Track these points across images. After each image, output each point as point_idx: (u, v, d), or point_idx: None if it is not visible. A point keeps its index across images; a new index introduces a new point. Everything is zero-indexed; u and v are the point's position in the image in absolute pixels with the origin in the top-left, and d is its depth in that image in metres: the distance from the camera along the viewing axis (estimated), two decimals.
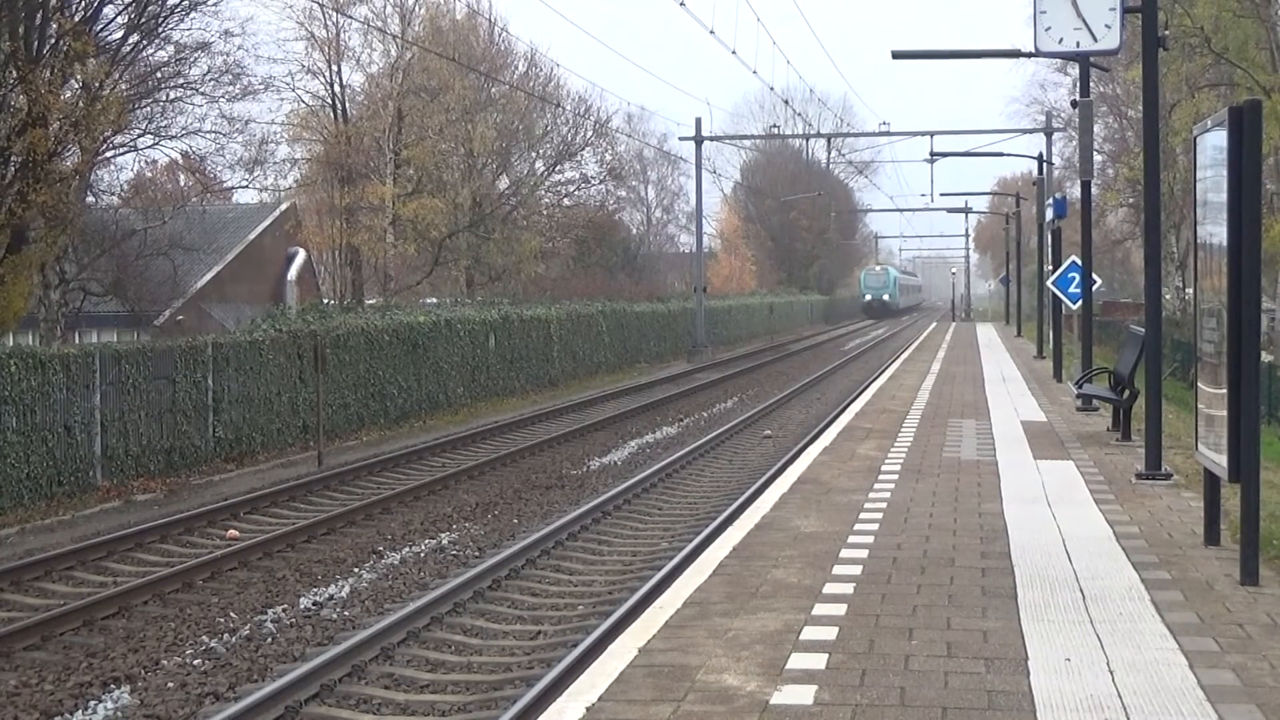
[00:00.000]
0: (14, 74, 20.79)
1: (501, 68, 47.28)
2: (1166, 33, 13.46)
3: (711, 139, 54.93)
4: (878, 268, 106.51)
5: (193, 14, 26.06)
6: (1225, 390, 7.79)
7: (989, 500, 11.13)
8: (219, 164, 32.30)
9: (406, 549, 14.02)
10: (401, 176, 41.80)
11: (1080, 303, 21.17)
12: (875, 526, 9.93)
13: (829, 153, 79.97)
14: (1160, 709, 5.64)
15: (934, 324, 74.88)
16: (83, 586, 12.84)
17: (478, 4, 46.45)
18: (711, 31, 36.15)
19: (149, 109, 27.17)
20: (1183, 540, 9.27)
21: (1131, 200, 48.33)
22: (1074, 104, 23.97)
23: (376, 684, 9.40)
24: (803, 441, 20.38)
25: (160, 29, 25.62)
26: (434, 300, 43.39)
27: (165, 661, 10.02)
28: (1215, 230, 8.20)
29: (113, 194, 31.78)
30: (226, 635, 10.70)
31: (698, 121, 49.80)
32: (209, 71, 28.14)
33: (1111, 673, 6.15)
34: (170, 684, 9.46)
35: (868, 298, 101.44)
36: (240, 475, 19.78)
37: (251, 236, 42.87)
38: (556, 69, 61.60)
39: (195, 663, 9.96)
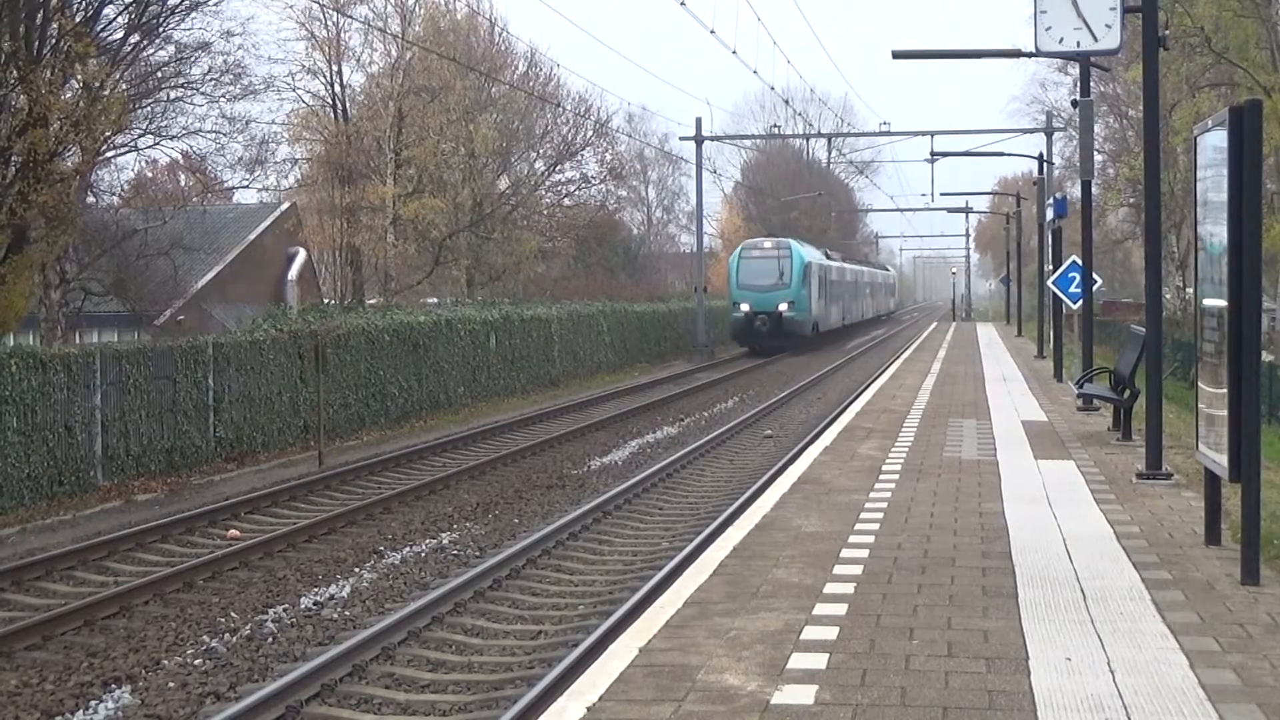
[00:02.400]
0: (15, 74, 20.81)
1: (502, 68, 47.30)
2: (1167, 32, 13.47)
3: (712, 139, 54.93)
4: (767, 244, 52.70)
5: (193, 14, 26.13)
6: (1226, 390, 7.79)
7: (990, 500, 11.13)
8: (219, 164, 32.38)
9: (407, 549, 14.02)
10: (402, 176, 41.81)
11: (1081, 302, 21.17)
12: (876, 526, 9.93)
13: (829, 152, 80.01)
14: (1161, 709, 5.64)
15: (934, 324, 74.88)
16: (84, 586, 12.84)
17: (478, 4, 46.51)
18: (712, 31, 36.11)
19: (149, 109, 27.22)
20: (1183, 540, 9.27)
21: (1132, 200, 48.35)
22: (1074, 104, 23.98)
23: (377, 684, 9.40)
24: (803, 441, 20.38)
25: (161, 29, 25.67)
26: (435, 300, 43.42)
27: (166, 661, 10.02)
28: (1216, 230, 8.20)
29: (113, 194, 31.83)
30: (227, 635, 10.70)
31: (698, 121, 49.80)
32: (209, 71, 28.21)
33: (1112, 672, 6.16)
34: (171, 684, 9.46)
35: (744, 308, 50.00)
36: (241, 475, 19.78)
37: (252, 236, 42.88)
38: (557, 69, 61.66)
39: (196, 662, 9.96)
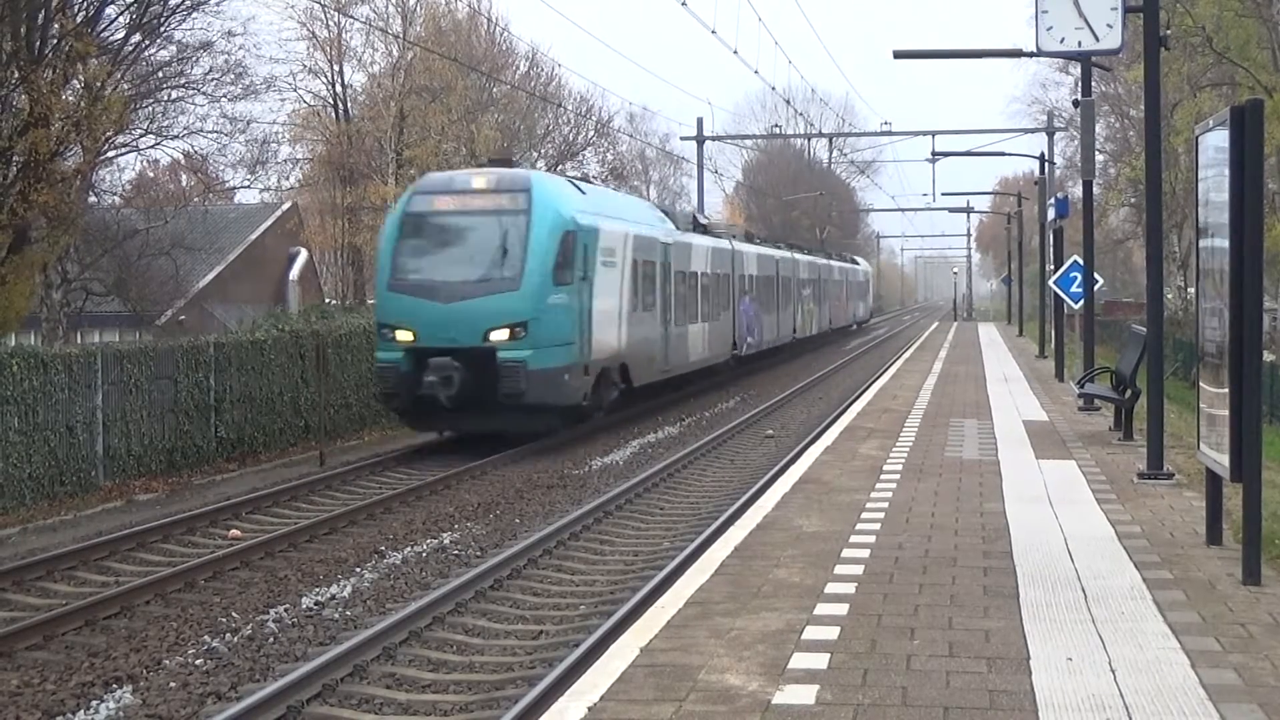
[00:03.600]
0: (16, 74, 20.84)
1: (503, 68, 47.34)
2: (1168, 32, 13.47)
3: (713, 139, 54.97)
4: (476, 181, 21.44)
5: (194, 14, 26.16)
6: (1227, 390, 7.79)
7: (991, 500, 11.13)
8: (221, 164, 32.46)
9: (408, 548, 14.01)
10: (404, 176, 41.82)
11: (1082, 302, 21.19)
12: (877, 526, 9.93)
13: (830, 152, 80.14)
14: (1162, 708, 5.64)
15: (935, 324, 74.84)
16: (85, 586, 12.83)
17: (479, 4, 46.53)
18: (713, 31, 36.08)
19: (151, 109, 27.27)
20: (1185, 540, 9.27)
21: (1133, 200, 48.36)
22: (1076, 103, 24.01)
23: (378, 684, 9.39)
24: (804, 441, 20.36)
25: (162, 29, 25.71)
26: None
27: (167, 661, 10.02)
28: (1217, 230, 8.20)
29: (115, 194, 31.90)
30: (228, 635, 10.70)
31: (699, 121, 49.72)
32: (211, 71, 28.27)
33: (1113, 672, 6.16)
34: (172, 684, 9.45)
35: (400, 339, 20.26)
36: (242, 475, 19.77)
37: (253, 236, 42.94)
38: (558, 69, 61.81)
39: (197, 662, 9.95)
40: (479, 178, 21.72)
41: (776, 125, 73.19)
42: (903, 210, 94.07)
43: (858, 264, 72.09)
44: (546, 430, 21.11)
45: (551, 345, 20.44)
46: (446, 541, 14.36)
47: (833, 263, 58.45)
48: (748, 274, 36.71)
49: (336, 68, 42.26)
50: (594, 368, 22.17)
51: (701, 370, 31.44)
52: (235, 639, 10.54)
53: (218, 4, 29.76)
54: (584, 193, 23.50)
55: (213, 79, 28.36)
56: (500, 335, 20.05)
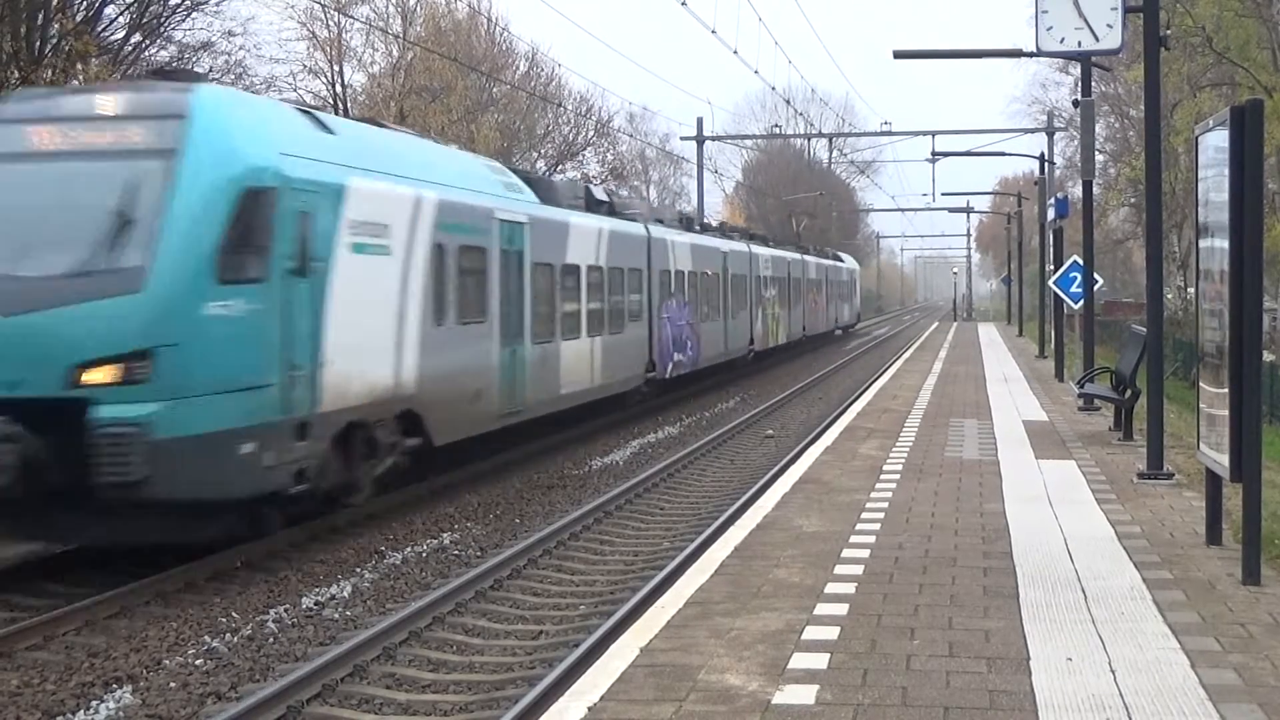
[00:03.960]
0: (16, 74, 20.84)
1: (503, 68, 47.37)
2: (1168, 32, 13.49)
3: (713, 139, 55.00)
4: (99, 111, 11.83)
5: (194, 14, 26.19)
6: (1227, 390, 7.79)
7: (991, 500, 11.14)
8: None
9: (409, 549, 14.01)
10: None
11: (1082, 302, 21.20)
12: (877, 526, 9.94)
13: (830, 152, 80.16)
14: (1162, 709, 5.64)
15: (935, 324, 74.87)
16: (85, 586, 12.83)
17: (479, 4, 46.56)
18: (713, 31, 36.08)
19: None
20: (1184, 540, 9.27)
21: (1133, 200, 48.40)
22: (1075, 103, 24.03)
23: (378, 684, 9.40)
24: (804, 441, 20.36)
25: (162, 29, 25.72)
26: None
27: (167, 661, 10.02)
28: (1217, 230, 8.20)
29: None
30: (228, 635, 10.70)
31: (699, 121, 49.72)
32: (211, 71, 28.24)
33: (1113, 672, 6.16)
34: (172, 684, 9.45)
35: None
36: None
37: None
38: (558, 69, 61.71)
39: (197, 662, 9.96)
40: (104, 97, 12.35)
41: (776, 125, 73.34)
42: (902, 210, 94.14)
43: (841, 260, 61.29)
44: (211, 540, 12.45)
45: (211, 391, 11.49)
46: (446, 541, 14.36)
47: (808, 259, 49.14)
48: (675, 269, 27.78)
49: (336, 68, 42.25)
50: (329, 424, 13.23)
51: (596, 403, 22.93)
52: (235, 639, 10.54)
53: (218, 4, 29.74)
54: (331, 131, 13.99)
55: (213, 79, 28.38)
56: (98, 375, 11.06)
